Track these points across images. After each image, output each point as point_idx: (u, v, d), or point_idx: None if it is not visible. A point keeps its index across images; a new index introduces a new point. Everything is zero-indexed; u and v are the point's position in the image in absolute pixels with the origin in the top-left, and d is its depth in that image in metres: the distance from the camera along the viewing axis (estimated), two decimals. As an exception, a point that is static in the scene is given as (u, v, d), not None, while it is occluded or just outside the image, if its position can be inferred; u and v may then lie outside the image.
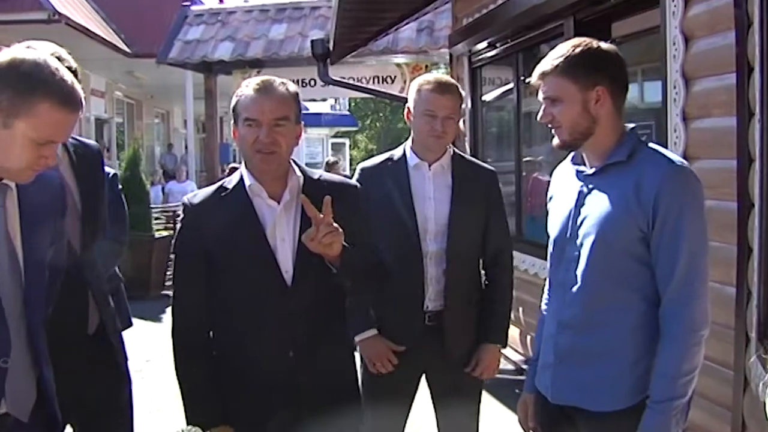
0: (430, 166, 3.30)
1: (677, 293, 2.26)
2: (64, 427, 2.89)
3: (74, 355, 2.65)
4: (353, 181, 2.82)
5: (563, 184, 2.56)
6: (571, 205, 2.46)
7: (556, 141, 2.44)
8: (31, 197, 2.17)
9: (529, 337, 6.44)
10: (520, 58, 6.58)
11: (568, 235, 2.45)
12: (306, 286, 2.56)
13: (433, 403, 3.48)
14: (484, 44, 7.11)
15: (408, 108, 3.31)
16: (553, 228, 2.54)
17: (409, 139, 3.37)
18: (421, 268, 3.23)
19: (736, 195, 3.30)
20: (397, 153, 3.38)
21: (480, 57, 7.44)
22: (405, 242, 3.21)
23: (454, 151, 3.38)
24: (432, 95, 3.20)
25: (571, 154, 2.53)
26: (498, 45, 6.85)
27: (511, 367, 6.66)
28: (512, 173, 6.90)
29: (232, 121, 2.62)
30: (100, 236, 3.04)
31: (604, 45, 2.40)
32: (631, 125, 2.44)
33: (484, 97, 7.74)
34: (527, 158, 6.78)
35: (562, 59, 2.36)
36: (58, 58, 2.68)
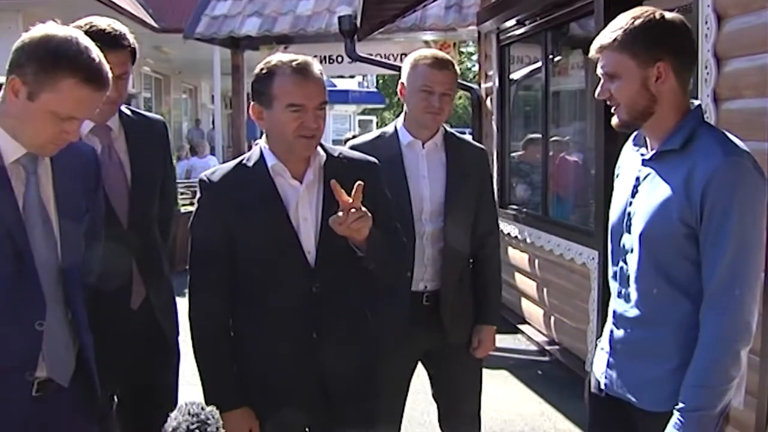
0: (423, 144, 3.23)
1: (716, 297, 2.10)
2: (111, 398, 2.92)
3: (116, 330, 2.64)
4: (372, 158, 2.77)
5: (626, 167, 2.42)
6: (628, 191, 2.33)
7: (615, 120, 2.29)
8: (65, 167, 2.22)
9: (553, 318, 6.42)
10: (549, 37, 6.51)
11: (623, 223, 2.33)
12: (329, 267, 2.53)
13: (433, 386, 3.45)
14: (512, 22, 7.05)
15: (401, 83, 3.23)
16: (613, 214, 2.41)
17: (401, 117, 3.29)
18: (413, 248, 3.16)
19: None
20: (389, 130, 3.31)
21: (508, 35, 7.38)
22: (399, 222, 3.15)
23: (445, 129, 3.31)
24: (429, 71, 3.12)
25: (634, 133, 2.39)
26: (527, 23, 6.79)
27: (534, 348, 6.64)
28: (539, 153, 6.86)
29: (254, 101, 2.52)
30: (154, 210, 3.01)
31: (668, 15, 2.22)
32: (697, 102, 2.29)
33: (512, 76, 7.67)
34: (554, 138, 6.72)
35: (620, 32, 2.19)
36: (119, 35, 2.75)
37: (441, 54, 3.24)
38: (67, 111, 2.04)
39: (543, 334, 6.66)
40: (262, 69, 2.51)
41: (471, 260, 3.38)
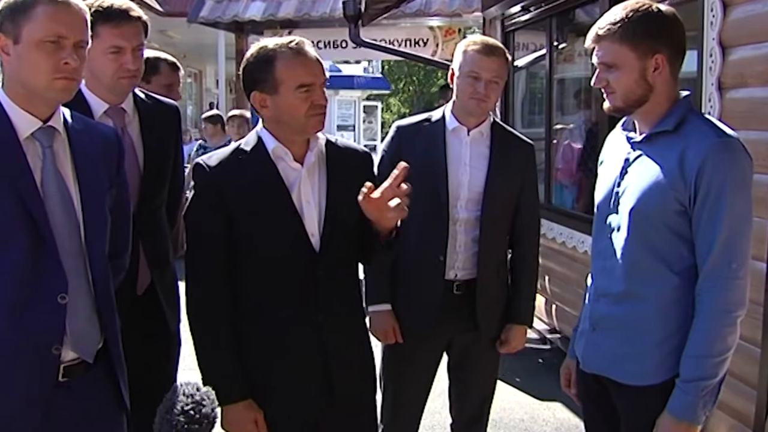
0: (469, 131, 3.22)
1: (713, 272, 2.20)
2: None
3: (120, 316, 2.65)
4: (364, 148, 2.76)
5: (613, 150, 2.50)
6: (616, 172, 2.41)
7: (607, 105, 2.36)
8: (84, 145, 2.23)
9: (554, 306, 6.41)
10: (554, 23, 6.46)
11: (611, 203, 2.40)
12: (333, 251, 2.49)
13: (449, 371, 3.47)
14: (517, 8, 7.00)
15: (452, 69, 3.21)
16: (598, 194, 2.49)
17: (450, 102, 3.28)
18: (446, 234, 3.16)
19: (770, 168, 3.23)
20: (436, 115, 3.30)
21: (513, 21, 7.33)
22: (433, 206, 3.14)
23: (494, 119, 3.29)
24: (477, 56, 3.10)
25: (623, 119, 2.46)
26: (532, 9, 6.73)
27: (535, 336, 6.62)
28: (543, 140, 6.82)
29: (255, 90, 2.45)
30: (163, 195, 3.01)
31: (663, 8, 2.28)
32: (685, 92, 2.35)
33: (516, 62, 7.63)
34: (558, 125, 6.68)
35: (621, 24, 2.25)
36: (126, 9, 2.76)
37: (491, 41, 3.22)
38: (50, 32, 2.05)
39: (544, 322, 6.64)
40: (258, 56, 2.46)
41: (512, 257, 3.37)
